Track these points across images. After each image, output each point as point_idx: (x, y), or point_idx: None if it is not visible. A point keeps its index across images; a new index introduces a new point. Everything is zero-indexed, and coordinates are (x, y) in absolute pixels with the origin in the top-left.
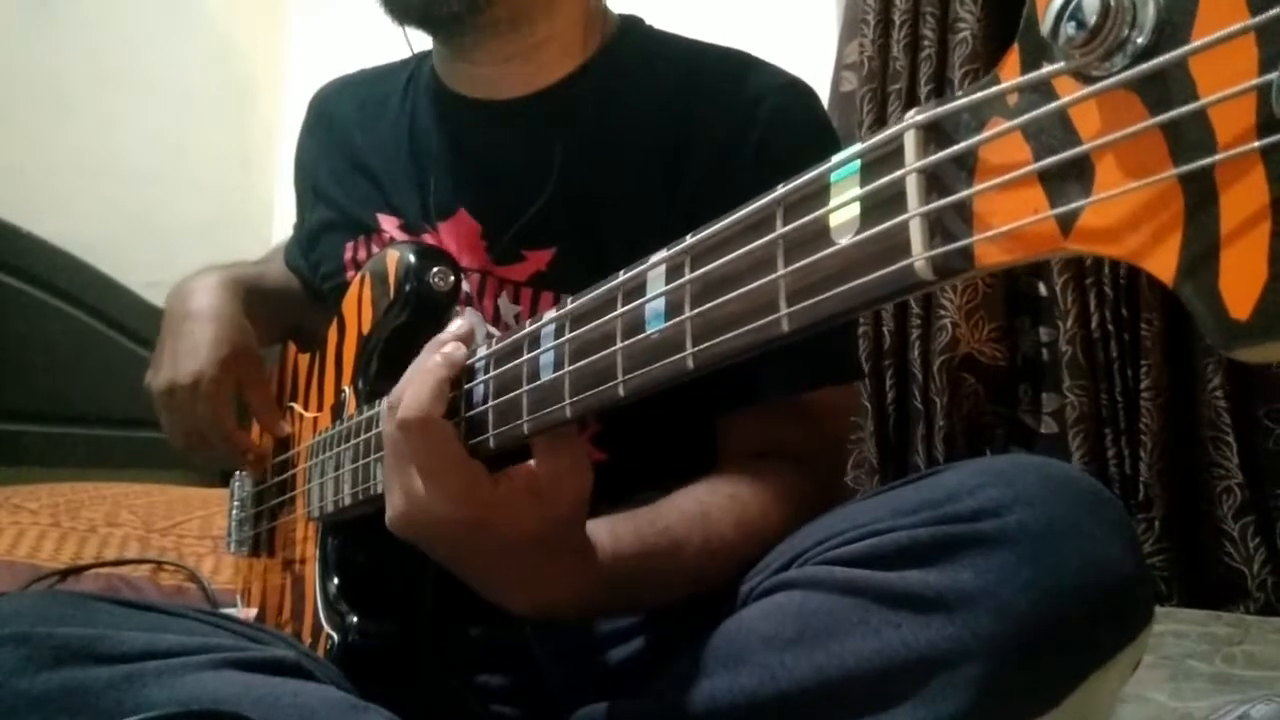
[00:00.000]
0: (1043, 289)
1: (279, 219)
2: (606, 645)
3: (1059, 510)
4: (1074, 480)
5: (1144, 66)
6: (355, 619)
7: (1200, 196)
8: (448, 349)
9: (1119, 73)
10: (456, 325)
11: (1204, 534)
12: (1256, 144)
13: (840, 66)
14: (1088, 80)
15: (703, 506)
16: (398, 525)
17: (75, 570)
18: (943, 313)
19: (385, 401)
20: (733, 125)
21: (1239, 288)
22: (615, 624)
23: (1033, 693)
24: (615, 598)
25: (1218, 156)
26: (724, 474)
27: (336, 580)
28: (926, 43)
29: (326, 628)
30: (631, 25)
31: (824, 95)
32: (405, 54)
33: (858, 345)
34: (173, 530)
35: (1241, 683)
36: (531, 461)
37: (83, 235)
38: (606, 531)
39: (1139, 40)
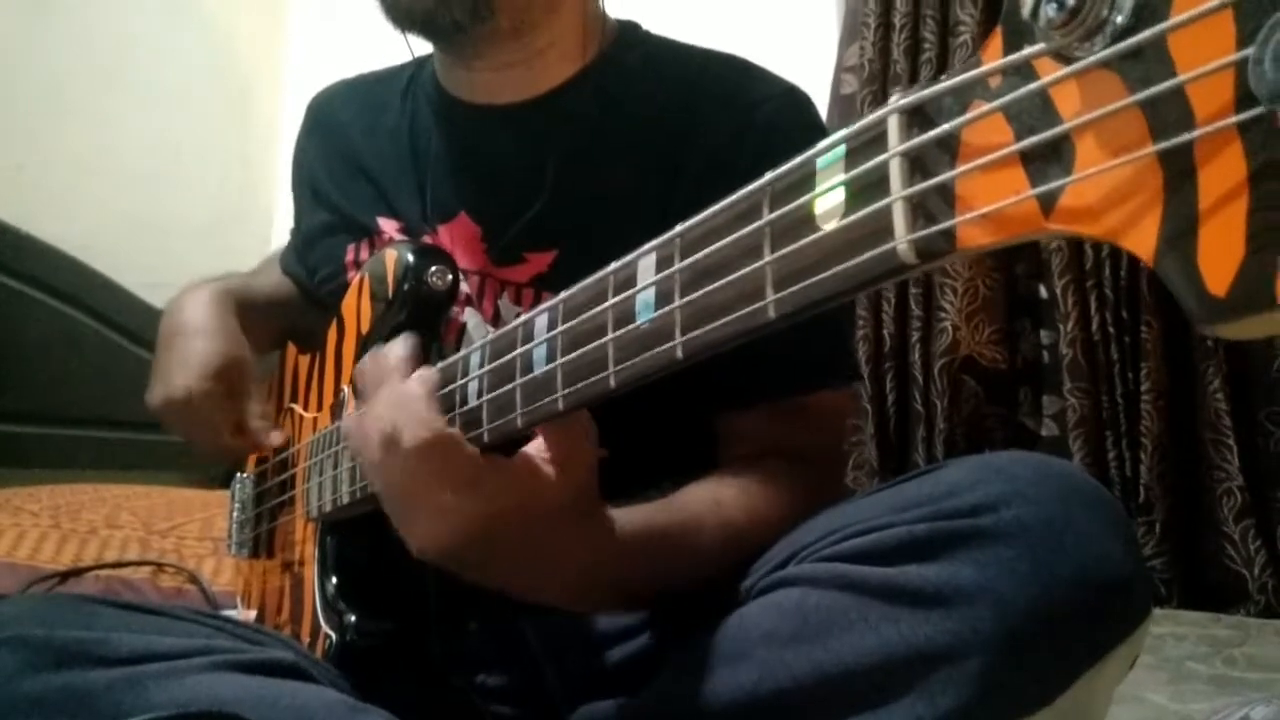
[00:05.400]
0: (1043, 292)
1: (279, 219)
2: (606, 644)
3: (1057, 506)
4: (1072, 477)
5: (1123, 45)
6: (353, 618)
7: (1179, 173)
8: (423, 374)
9: (1099, 53)
10: (396, 345)
11: (1204, 536)
12: (1234, 119)
13: (841, 69)
14: (1068, 61)
15: (714, 496)
16: (444, 543)
17: (75, 572)
18: (943, 315)
19: (376, 437)
20: (730, 131)
21: (1217, 264)
22: (615, 622)
23: (1031, 687)
24: (638, 576)
25: (1196, 133)
26: (729, 470)
27: (334, 580)
28: (927, 45)
29: (325, 627)
30: (630, 31)
31: (824, 98)
32: (405, 56)
33: (856, 348)
34: (173, 532)
35: (1242, 685)
36: (538, 439)
37: (82, 236)
38: (623, 512)
39: (1118, 20)
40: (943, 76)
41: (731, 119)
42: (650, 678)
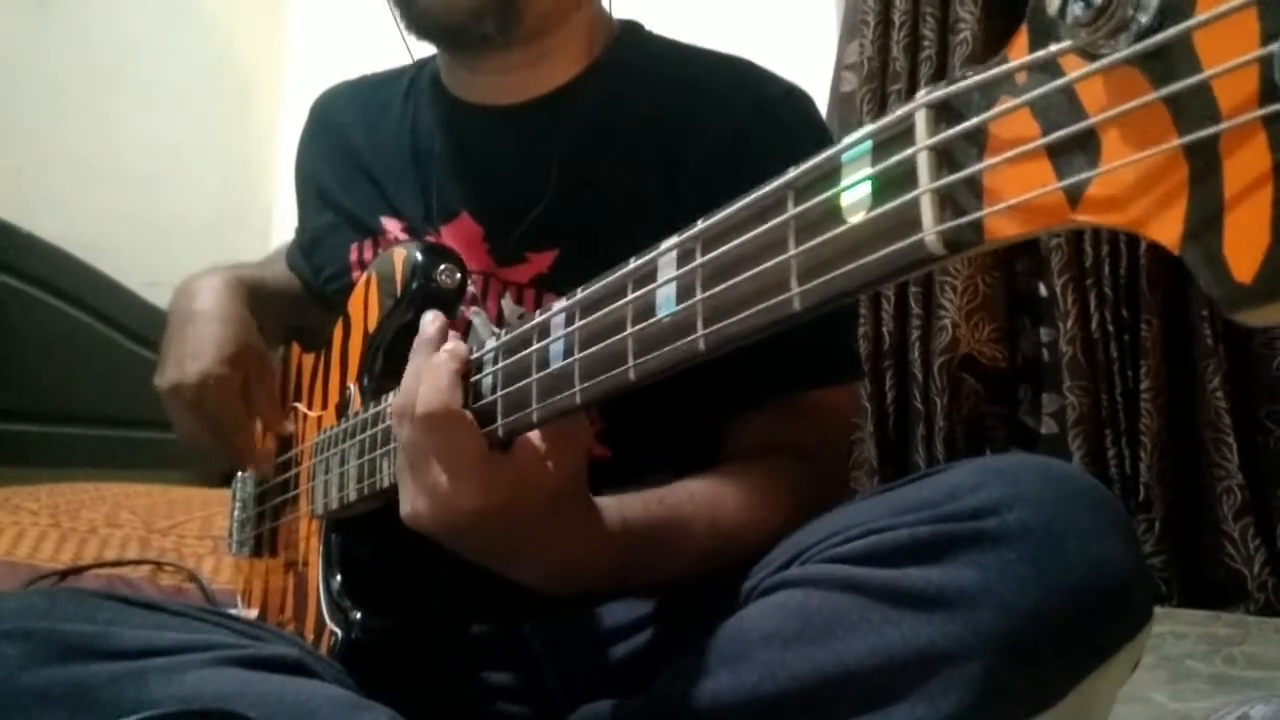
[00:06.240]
0: (1043, 289)
1: (279, 219)
2: (608, 643)
3: (1059, 508)
4: (1074, 478)
5: (1148, 42)
6: (359, 615)
7: (1204, 165)
8: (450, 345)
9: (1124, 50)
10: (430, 317)
11: (1204, 534)
12: (1259, 112)
13: (840, 67)
14: (1093, 58)
15: (710, 489)
16: (423, 522)
17: (75, 570)
18: (943, 313)
19: (392, 407)
20: (732, 130)
21: (1243, 252)
22: (617, 623)
23: (1033, 690)
24: (626, 564)
25: (1221, 126)
26: (731, 466)
27: (340, 577)
28: (927, 43)
29: (330, 624)
30: (631, 31)
31: (824, 95)
32: (406, 55)
33: (859, 346)
34: (173, 531)
35: (1241, 683)
36: (534, 433)
37: (83, 235)
38: (614, 501)
39: (1143, 19)
40: (969, 72)
41: (733, 118)
42: (652, 678)
